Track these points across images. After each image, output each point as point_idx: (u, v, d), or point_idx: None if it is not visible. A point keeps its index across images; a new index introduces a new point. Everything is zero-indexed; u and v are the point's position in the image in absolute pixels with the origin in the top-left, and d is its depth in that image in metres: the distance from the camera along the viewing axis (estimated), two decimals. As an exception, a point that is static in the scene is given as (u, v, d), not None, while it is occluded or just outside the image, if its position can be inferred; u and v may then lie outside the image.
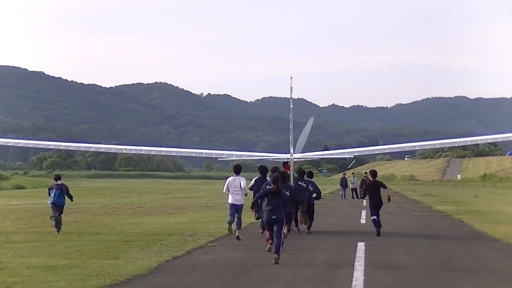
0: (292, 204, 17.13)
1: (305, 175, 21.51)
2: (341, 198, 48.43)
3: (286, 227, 17.06)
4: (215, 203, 39.73)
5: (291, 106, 26.63)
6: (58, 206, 20.63)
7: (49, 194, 20.94)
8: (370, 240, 18.57)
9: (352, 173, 55.16)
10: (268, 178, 18.13)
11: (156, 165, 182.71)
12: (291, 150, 25.79)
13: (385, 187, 20.78)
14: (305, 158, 29.16)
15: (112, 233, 20.22)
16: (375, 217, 20.47)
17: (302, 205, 20.71)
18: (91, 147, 37.91)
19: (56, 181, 21.11)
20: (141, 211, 31.98)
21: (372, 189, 20.60)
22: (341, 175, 57.88)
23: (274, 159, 28.20)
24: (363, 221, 26.14)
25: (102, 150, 42.97)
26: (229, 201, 18.24)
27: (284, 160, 26.31)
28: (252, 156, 31.87)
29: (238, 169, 18.63)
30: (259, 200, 14.77)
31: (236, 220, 18.45)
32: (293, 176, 22.50)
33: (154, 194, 56.94)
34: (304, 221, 20.90)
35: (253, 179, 19.11)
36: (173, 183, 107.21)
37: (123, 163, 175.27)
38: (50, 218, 20.86)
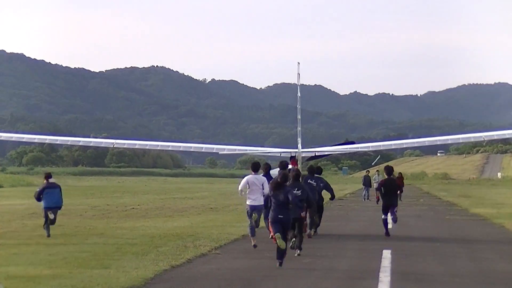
0: (303, 206, 17.29)
1: (315, 173, 22.27)
2: (364, 199, 48.44)
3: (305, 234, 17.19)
4: (220, 205, 39.78)
5: (299, 94, 27.57)
6: (55, 209, 21.39)
7: (40, 195, 21.43)
8: (397, 247, 18.59)
9: (377, 170, 55.06)
10: (271, 176, 19.09)
11: (152, 161, 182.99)
12: (299, 144, 26.31)
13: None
14: (315, 153, 29.72)
15: (102, 239, 20.30)
16: (386, 217, 21.92)
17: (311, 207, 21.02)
18: (79, 141, 38.03)
19: (48, 180, 21.63)
20: (135, 214, 32.07)
21: (387, 188, 21.64)
22: (364, 172, 57.86)
23: (280, 154, 28.60)
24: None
25: (91, 145, 43.32)
26: (248, 203, 18.28)
27: (292, 155, 26.79)
28: (257, 151, 32.26)
29: (256, 166, 19.07)
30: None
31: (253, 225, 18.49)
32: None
33: (150, 194, 57.10)
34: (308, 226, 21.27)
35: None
36: (172, 182, 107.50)
37: (114, 159, 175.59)
38: (44, 225, 21.26)
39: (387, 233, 21.81)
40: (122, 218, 29.33)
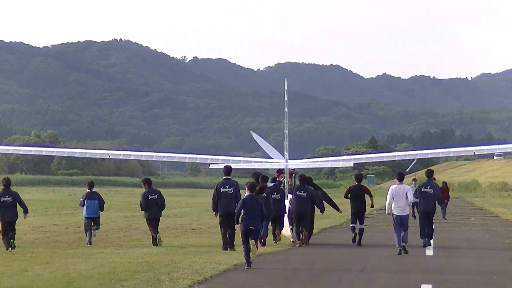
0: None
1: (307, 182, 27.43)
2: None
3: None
4: (205, 225, 39.77)
5: (286, 109, 31.40)
6: (94, 219, 28.66)
7: (83, 205, 28.76)
8: (440, 282, 18.64)
9: (414, 179, 54.82)
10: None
11: (114, 166, 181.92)
12: (286, 156, 29.74)
13: (370, 194, 28.51)
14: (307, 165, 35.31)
15: (47, 270, 20.25)
16: (354, 224, 28.07)
17: (303, 220, 26.88)
18: (30, 151, 38.34)
19: (90, 189, 29.58)
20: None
21: (355, 194, 28.26)
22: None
23: (267, 167, 33.48)
24: (429, 251, 26.17)
25: (43, 153, 44.75)
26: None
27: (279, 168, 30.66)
28: (235, 162, 33.75)
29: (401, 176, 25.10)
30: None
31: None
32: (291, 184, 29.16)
33: (112, 210, 57.04)
34: (305, 239, 26.83)
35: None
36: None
37: (63, 164, 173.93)
38: (86, 232, 28.62)
39: (354, 240, 27.89)
40: (74, 242, 29.33)
